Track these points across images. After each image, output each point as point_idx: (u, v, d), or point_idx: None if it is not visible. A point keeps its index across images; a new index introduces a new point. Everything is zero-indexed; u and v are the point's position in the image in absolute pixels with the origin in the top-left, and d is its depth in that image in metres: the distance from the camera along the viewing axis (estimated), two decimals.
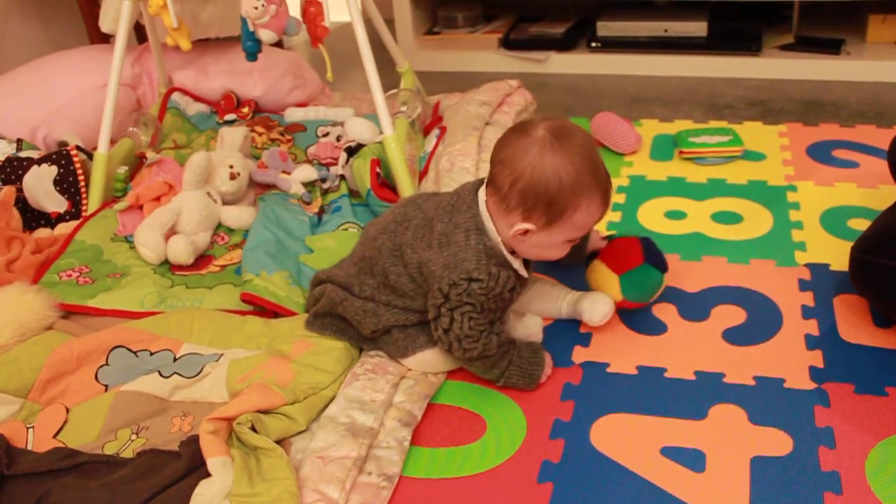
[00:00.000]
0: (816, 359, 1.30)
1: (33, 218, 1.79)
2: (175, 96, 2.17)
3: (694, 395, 1.25)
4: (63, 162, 1.80)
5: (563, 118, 1.27)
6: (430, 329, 1.26)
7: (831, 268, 1.52)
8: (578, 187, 1.16)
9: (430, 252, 1.22)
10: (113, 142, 1.88)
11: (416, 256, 1.24)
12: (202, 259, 1.66)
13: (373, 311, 1.30)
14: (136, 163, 1.92)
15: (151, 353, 1.36)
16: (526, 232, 1.20)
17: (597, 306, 1.38)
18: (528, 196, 1.17)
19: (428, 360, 1.31)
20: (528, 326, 1.37)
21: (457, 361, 1.32)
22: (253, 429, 1.16)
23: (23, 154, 1.87)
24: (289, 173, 1.85)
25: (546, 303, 1.43)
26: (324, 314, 1.36)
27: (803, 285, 1.48)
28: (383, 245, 1.29)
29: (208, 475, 1.09)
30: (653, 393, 1.26)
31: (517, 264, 1.25)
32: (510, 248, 1.24)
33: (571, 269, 1.54)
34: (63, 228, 1.75)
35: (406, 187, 1.73)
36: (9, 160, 1.81)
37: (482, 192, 1.24)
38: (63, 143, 1.94)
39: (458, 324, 1.19)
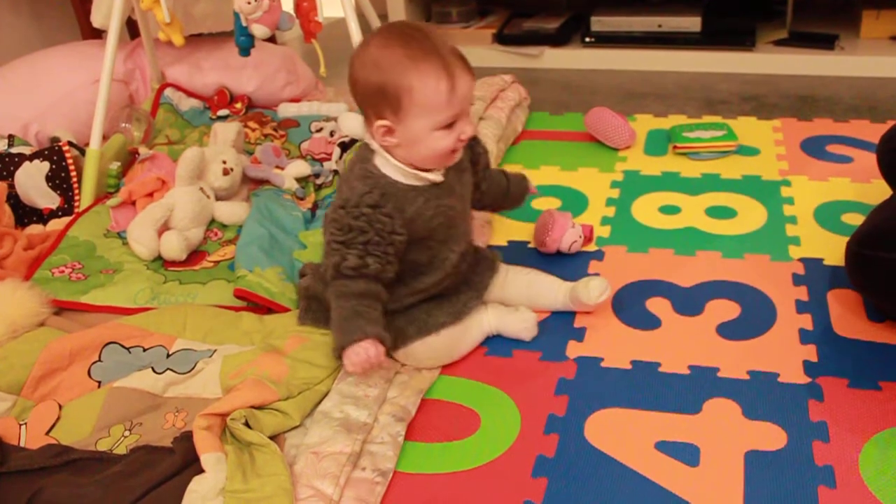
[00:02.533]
0: (810, 353, 1.30)
1: (25, 214, 1.78)
2: (168, 92, 2.16)
3: (688, 390, 1.25)
4: (55, 158, 1.80)
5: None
6: (418, 321, 1.28)
7: (825, 262, 1.52)
8: (401, 66, 1.14)
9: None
10: (105, 138, 1.88)
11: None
12: (195, 255, 1.66)
13: None
14: (129, 158, 1.92)
15: (144, 350, 1.36)
16: (389, 130, 1.19)
17: (592, 284, 1.38)
18: (366, 95, 1.19)
19: (419, 353, 1.31)
20: (523, 320, 1.37)
21: (449, 356, 1.32)
22: (247, 424, 1.16)
23: (15, 150, 1.86)
24: (282, 169, 1.85)
25: (541, 295, 1.43)
26: (310, 299, 1.37)
27: (797, 280, 1.49)
28: (324, 221, 1.31)
29: (202, 471, 1.09)
30: (647, 387, 1.26)
31: (432, 176, 1.24)
32: (409, 163, 1.22)
33: (564, 259, 1.55)
34: (55, 224, 1.74)
35: None
36: (0, 156, 1.80)
37: None
38: (55, 139, 1.93)
39: (325, 240, 1.23)
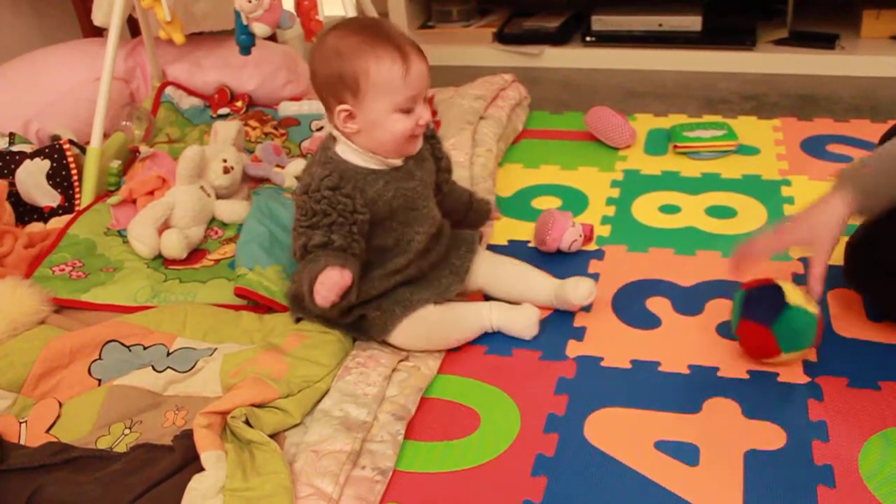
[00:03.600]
0: (810, 353, 1.30)
1: (26, 212, 1.78)
2: (168, 90, 2.16)
3: (688, 389, 1.25)
4: (56, 156, 1.80)
5: None
6: (403, 301, 1.31)
7: None
8: (358, 51, 1.21)
9: None
10: (106, 136, 1.88)
11: None
12: (196, 253, 1.66)
13: None
14: (130, 157, 1.92)
15: (145, 348, 1.36)
16: (350, 115, 1.24)
17: (580, 286, 1.39)
18: (327, 83, 1.24)
19: (410, 332, 1.32)
20: (526, 317, 1.38)
21: (442, 337, 1.34)
22: (247, 423, 1.16)
23: (15, 148, 1.86)
24: (283, 167, 1.85)
25: (529, 289, 1.43)
26: (294, 297, 1.38)
27: (797, 280, 1.48)
28: None
29: (202, 469, 1.09)
30: (647, 387, 1.26)
31: (392, 160, 1.28)
32: (370, 150, 1.27)
33: (564, 258, 1.55)
34: (56, 223, 1.74)
35: None
36: (1, 154, 1.80)
37: None
38: (56, 137, 1.93)
39: (292, 227, 1.27)
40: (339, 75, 1.22)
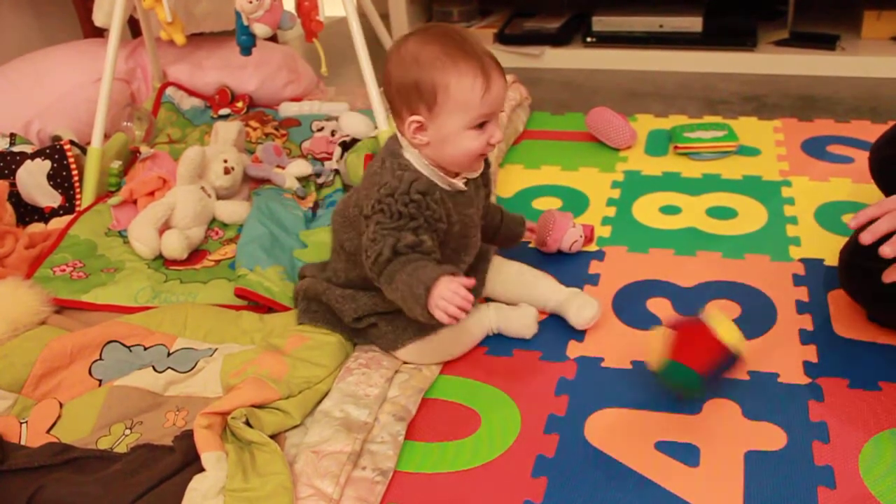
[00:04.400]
0: (810, 353, 1.30)
1: (27, 213, 1.78)
2: (169, 91, 2.16)
3: None
4: (57, 156, 1.80)
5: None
6: (417, 320, 1.27)
7: (826, 263, 1.52)
8: (439, 63, 1.16)
9: (362, 196, 1.25)
10: (107, 136, 1.88)
11: (357, 210, 1.26)
12: (196, 254, 1.66)
13: (351, 296, 1.31)
14: (130, 157, 1.92)
15: (145, 348, 1.36)
16: (420, 127, 1.20)
17: (583, 312, 1.38)
18: (401, 91, 1.20)
19: (420, 351, 1.31)
20: (525, 316, 1.37)
21: (449, 353, 1.33)
22: (247, 423, 1.16)
23: (16, 148, 1.86)
24: (283, 168, 1.85)
25: (535, 297, 1.42)
26: (309, 300, 1.37)
27: (798, 280, 1.49)
28: (335, 223, 1.33)
29: (202, 470, 1.09)
30: (647, 387, 1.26)
31: (458, 182, 1.25)
32: (437, 164, 1.23)
33: (564, 259, 1.55)
34: (57, 223, 1.74)
35: None
36: (2, 154, 1.80)
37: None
38: (57, 138, 1.93)
39: (369, 231, 1.19)
40: (416, 85, 1.17)
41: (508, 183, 1.90)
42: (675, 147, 1.98)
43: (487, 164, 1.34)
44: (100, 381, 1.31)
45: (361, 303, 1.30)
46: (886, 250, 1.09)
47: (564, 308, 1.39)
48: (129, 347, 1.36)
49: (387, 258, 1.17)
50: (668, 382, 1.19)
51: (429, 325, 1.28)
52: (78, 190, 1.81)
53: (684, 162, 1.95)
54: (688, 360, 1.15)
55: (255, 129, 2.03)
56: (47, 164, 1.78)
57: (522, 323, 1.37)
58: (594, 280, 1.52)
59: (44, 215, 1.79)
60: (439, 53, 1.17)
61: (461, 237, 1.29)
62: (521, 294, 1.42)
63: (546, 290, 1.42)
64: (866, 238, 1.11)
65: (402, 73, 1.19)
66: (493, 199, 1.66)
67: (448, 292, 1.09)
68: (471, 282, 1.12)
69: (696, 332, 1.17)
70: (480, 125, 1.20)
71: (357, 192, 1.29)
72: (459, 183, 1.25)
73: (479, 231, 1.35)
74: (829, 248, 1.55)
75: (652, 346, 1.19)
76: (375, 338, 1.33)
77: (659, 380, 1.19)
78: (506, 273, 1.44)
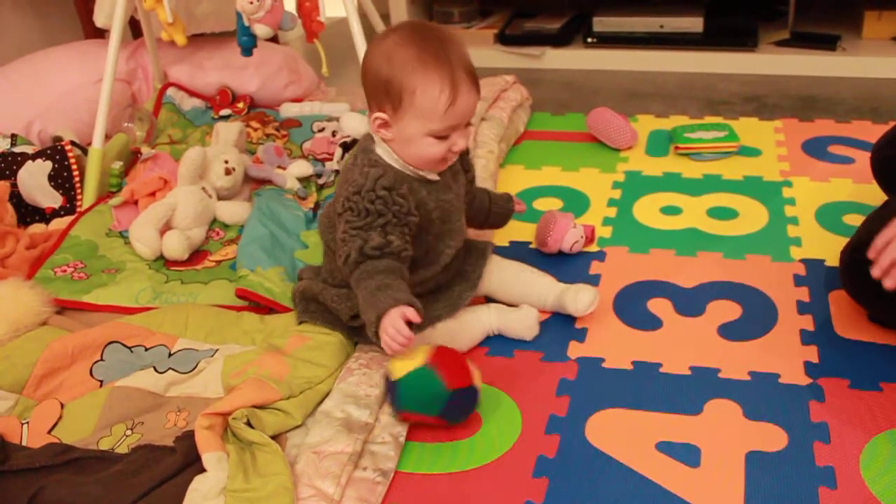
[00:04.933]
0: (811, 354, 1.30)
1: (28, 213, 1.78)
2: (170, 91, 2.16)
3: (689, 391, 1.25)
4: (58, 157, 1.80)
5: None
6: None
7: (826, 263, 1.52)
8: (410, 67, 1.16)
9: (337, 193, 1.26)
10: (108, 137, 1.88)
11: (333, 209, 1.27)
12: (197, 254, 1.66)
13: (346, 296, 1.31)
14: (131, 158, 1.92)
15: (146, 349, 1.36)
16: (384, 124, 1.21)
17: (580, 296, 1.38)
18: (372, 86, 1.20)
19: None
20: (525, 318, 1.38)
21: (448, 345, 1.32)
22: (248, 424, 1.16)
23: (17, 149, 1.86)
24: (284, 168, 1.85)
25: (532, 293, 1.42)
26: (307, 300, 1.37)
27: (798, 280, 1.49)
28: (322, 222, 1.34)
29: (203, 470, 1.09)
30: (648, 388, 1.26)
31: (427, 174, 1.25)
32: (403, 159, 1.23)
33: (565, 260, 1.55)
34: (58, 224, 1.74)
35: None
36: (3, 155, 1.80)
37: None
38: (58, 139, 1.93)
39: (339, 231, 1.20)
40: (385, 84, 1.18)
41: (509, 183, 1.90)
42: (676, 147, 1.98)
43: (466, 151, 1.36)
44: (101, 381, 1.31)
45: (356, 301, 1.30)
46: (888, 284, 1.11)
47: (563, 298, 1.39)
48: (130, 348, 1.36)
49: (355, 260, 1.19)
50: (409, 392, 1.17)
51: (426, 320, 1.28)
52: (79, 190, 1.81)
53: (685, 162, 1.95)
54: (443, 372, 1.15)
55: (255, 129, 2.03)
56: (48, 165, 1.78)
57: (524, 325, 1.37)
58: (595, 280, 1.52)
59: (45, 216, 1.79)
60: (412, 57, 1.16)
61: (442, 223, 1.29)
62: (520, 293, 1.42)
63: (544, 287, 1.43)
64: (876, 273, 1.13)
65: (376, 68, 1.19)
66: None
67: (392, 329, 1.12)
68: (416, 318, 1.13)
69: (457, 355, 1.19)
70: (443, 137, 1.20)
71: (336, 192, 1.30)
72: (430, 175, 1.26)
73: (462, 216, 1.36)
74: (829, 249, 1.55)
75: (403, 357, 1.17)
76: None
77: (398, 388, 1.17)
78: (505, 272, 1.44)
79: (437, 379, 1.14)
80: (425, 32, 1.19)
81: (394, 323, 1.12)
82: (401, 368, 1.17)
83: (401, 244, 1.20)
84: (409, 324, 1.13)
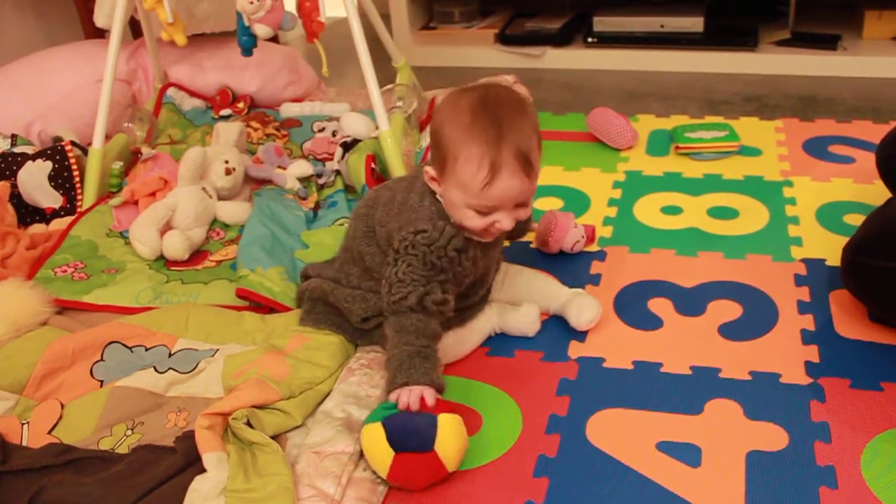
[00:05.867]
0: (812, 354, 1.30)
1: (28, 213, 1.79)
2: (170, 91, 2.16)
3: (690, 390, 1.25)
4: (58, 157, 1.80)
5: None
6: None
7: (827, 263, 1.52)
8: (459, 134, 1.13)
9: (392, 221, 1.24)
10: (108, 137, 1.88)
11: (384, 231, 1.26)
12: (197, 254, 1.66)
13: (361, 297, 1.31)
14: (132, 158, 1.92)
15: (147, 349, 1.36)
16: (433, 180, 1.20)
17: (583, 315, 1.37)
18: (432, 138, 1.19)
19: None
20: (526, 315, 1.38)
21: (454, 355, 1.33)
22: (249, 424, 1.16)
23: (17, 149, 1.87)
24: (284, 168, 1.85)
25: (538, 298, 1.42)
26: (315, 301, 1.37)
27: (799, 280, 1.48)
28: (357, 228, 1.32)
29: (204, 471, 1.09)
30: (648, 388, 1.26)
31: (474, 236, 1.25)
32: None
33: (566, 259, 1.55)
34: (58, 224, 1.74)
35: None
36: (3, 155, 1.80)
37: None
38: (58, 139, 1.93)
39: (398, 269, 1.19)
40: (437, 139, 1.17)
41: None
42: (677, 147, 1.98)
43: (528, 220, 1.33)
44: (101, 381, 1.31)
45: (372, 303, 1.30)
46: None
47: (566, 309, 1.39)
48: (130, 348, 1.36)
49: (410, 306, 1.18)
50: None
51: None
52: (79, 191, 1.81)
53: (686, 162, 1.94)
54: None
55: (256, 129, 2.03)
56: (48, 165, 1.79)
57: (526, 321, 1.37)
58: (596, 280, 1.52)
59: (45, 216, 1.79)
60: (465, 124, 1.13)
61: (482, 276, 1.32)
62: (522, 296, 1.42)
63: (548, 291, 1.42)
64: None
65: (437, 122, 1.18)
66: None
67: (410, 400, 1.12)
68: (432, 402, 1.12)
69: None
70: (484, 213, 1.17)
71: (386, 211, 1.27)
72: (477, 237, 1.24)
73: (494, 272, 1.38)
74: (830, 249, 1.55)
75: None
76: (382, 339, 1.32)
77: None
78: (507, 275, 1.44)
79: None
80: (492, 102, 1.15)
81: (413, 397, 1.12)
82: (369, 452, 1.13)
83: (452, 303, 1.22)
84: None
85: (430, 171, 1.20)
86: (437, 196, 1.22)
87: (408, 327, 1.18)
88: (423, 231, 1.18)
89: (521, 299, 1.41)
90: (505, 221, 1.18)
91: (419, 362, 1.15)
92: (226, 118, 2.12)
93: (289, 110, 2.15)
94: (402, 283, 1.19)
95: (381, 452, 1.09)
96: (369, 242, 1.29)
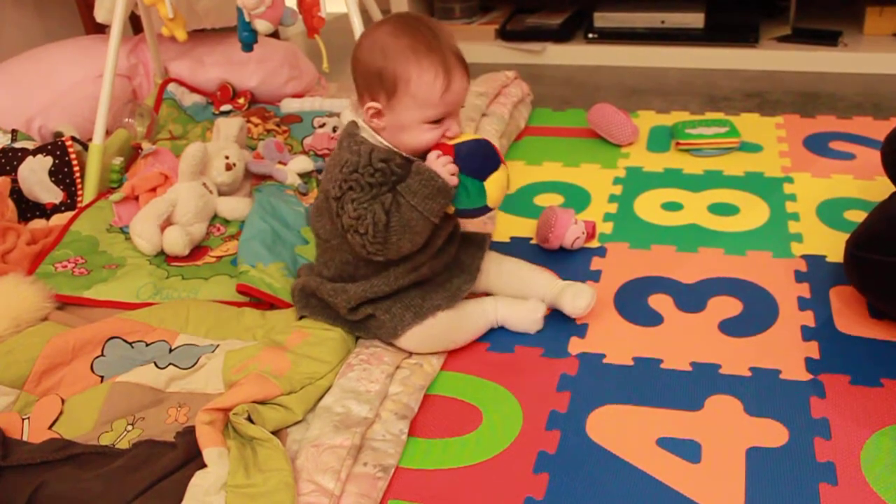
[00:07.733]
0: (812, 350, 1.30)
1: (28, 209, 1.79)
2: (171, 87, 2.16)
3: (690, 386, 1.25)
4: (58, 153, 1.80)
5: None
6: (414, 306, 1.29)
7: (827, 259, 1.52)
8: (403, 56, 1.20)
9: (325, 179, 1.28)
10: (109, 132, 1.88)
11: (323, 195, 1.29)
12: (198, 250, 1.66)
13: (341, 289, 1.31)
14: (132, 154, 1.92)
15: (147, 344, 1.36)
16: (377, 113, 1.24)
17: (577, 301, 1.37)
18: (364, 76, 1.23)
19: (420, 338, 1.31)
20: (533, 311, 1.38)
21: (451, 339, 1.33)
22: (249, 419, 1.16)
23: (18, 145, 1.86)
24: (285, 164, 1.85)
25: (531, 290, 1.42)
26: (308, 296, 1.37)
27: (799, 276, 1.49)
28: (311, 215, 1.35)
29: (204, 466, 1.09)
30: (649, 384, 1.26)
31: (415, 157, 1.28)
32: (393, 144, 1.26)
33: (566, 256, 1.55)
34: (58, 219, 1.74)
35: None
36: (4, 151, 1.80)
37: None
38: (58, 134, 1.93)
39: (347, 211, 1.22)
40: (378, 74, 1.21)
41: (510, 179, 1.89)
42: (677, 143, 1.98)
43: None
44: (101, 377, 1.31)
45: (352, 293, 1.30)
46: None
47: (561, 298, 1.39)
48: (130, 344, 1.36)
49: (384, 221, 1.21)
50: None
51: (426, 310, 1.30)
52: (80, 186, 1.81)
53: (686, 158, 1.94)
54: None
55: (256, 125, 2.03)
56: (49, 161, 1.78)
57: (531, 318, 1.37)
58: (596, 276, 1.52)
59: (45, 212, 1.79)
60: (406, 46, 1.20)
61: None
62: (518, 289, 1.42)
63: (543, 284, 1.42)
64: None
65: (369, 59, 1.22)
66: None
67: (443, 166, 1.22)
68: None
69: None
70: (437, 120, 1.24)
71: (324, 181, 1.31)
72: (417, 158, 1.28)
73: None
74: (831, 245, 1.55)
75: None
76: (375, 329, 1.33)
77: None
78: (503, 268, 1.44)
79: None
80: (415, 23, 1.23)
81: (436, 164, 1.22)
82: None
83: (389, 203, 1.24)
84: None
85: (373, 105, 1.23)
86: (367, 135, 1.25)
87: (402, 228, 1.22)
88: (346, 163, 1.22)
89: (517, 292, 1.41)
90: (454, 126, 1.25)
91: (412, 184, 1.22)
92: (226, 114, 2.12)
93: (289, 106, 2.15)
94: (359, 218, 1.21)
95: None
96: (318, 217, 1.32)
